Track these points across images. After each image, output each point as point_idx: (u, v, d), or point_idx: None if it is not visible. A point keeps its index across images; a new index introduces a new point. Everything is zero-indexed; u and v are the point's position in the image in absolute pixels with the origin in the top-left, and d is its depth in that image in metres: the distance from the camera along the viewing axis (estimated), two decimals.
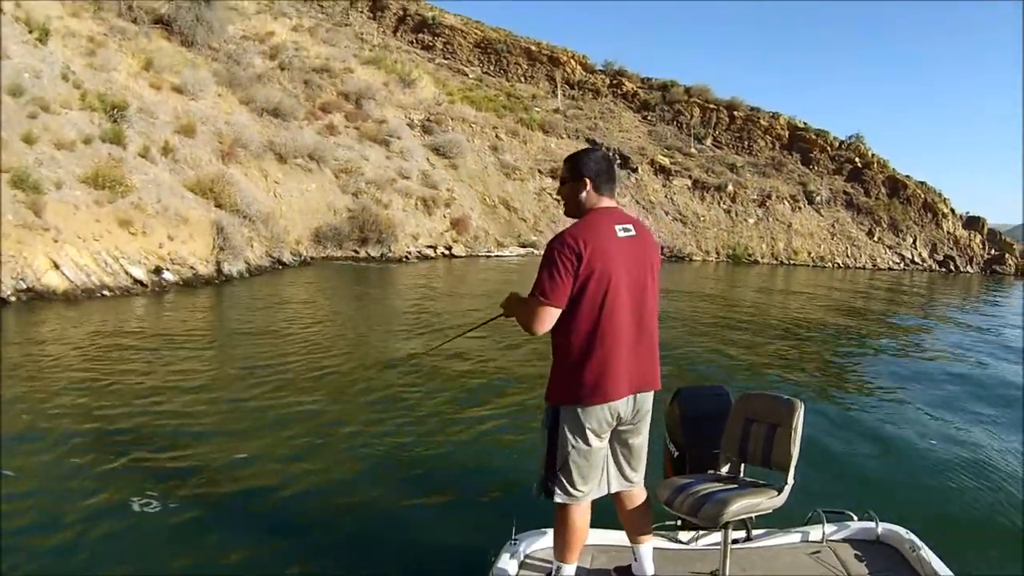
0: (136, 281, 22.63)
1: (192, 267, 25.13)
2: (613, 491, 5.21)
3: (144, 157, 28.39)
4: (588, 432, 4.86)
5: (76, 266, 21.07)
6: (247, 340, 16.96)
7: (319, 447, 9.89)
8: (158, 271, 23.70)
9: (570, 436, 4.89)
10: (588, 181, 4.96)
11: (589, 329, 4.79)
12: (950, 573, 5.26)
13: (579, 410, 4.84)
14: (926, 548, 5.58)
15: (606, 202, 5.01)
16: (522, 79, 66.55)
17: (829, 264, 56.24)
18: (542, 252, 4.90)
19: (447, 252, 41.88)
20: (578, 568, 5.28)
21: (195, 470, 8.85)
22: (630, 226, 4.96)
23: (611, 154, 57.74)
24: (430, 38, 67.71)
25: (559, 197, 5.34)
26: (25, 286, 19.59)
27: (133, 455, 9.15)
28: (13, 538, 6.94)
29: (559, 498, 4.97)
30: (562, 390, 4.90)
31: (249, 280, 27.03)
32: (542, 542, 5.66)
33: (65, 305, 19.68)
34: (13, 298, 19.11)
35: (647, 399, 5.07)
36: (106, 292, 21.32)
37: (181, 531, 7.31)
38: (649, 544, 5.37)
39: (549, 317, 4.75)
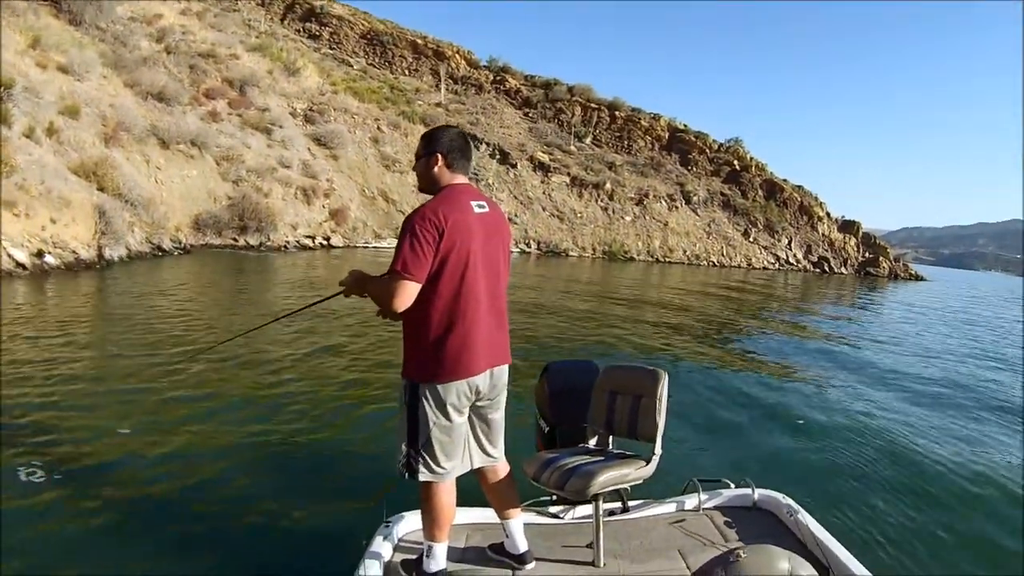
0: (18, 264, 22.43)
1: (74, 251, 25.11)
2: (476, 467, 5.21)
3: (28, 137, 28.27)
4: (449, 408, 4.86)
5: None
6: (121, 327, 16.78)
7: (182, 441, 9.44)
8: (40, 254, 23.57)
9: (431, 413, 4.86)
10: (440, 156, 4.94)
11: (448, 304, 4.78)
12: (828, 535, 5.38)
13: (439, 387, 4.83)
14: (803, 512, 5.67)
15: (460, 179, 4.99)
16: (406, 72, 67.07)
17: (704, 263, 57.61)
18: None
19: (325, 242, 42.44)
20: (452, 547, 5.29)
21: (55, 457, 8.54)
22: (484, 203, 4.96)
23: (487, 146, 58.46)
24: (317, 27, 67.79)
25: (414, 172, 5.18)
26: None
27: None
28: None
29: (423, 476, 4.93)
30: (421, 366, 4.86)
31: (129, 265, 27.05)
32: (414, 523, 5.61)
33: None
34: None
35: (503, 373, 5.10)
36: None
37: (29, 517, 7.05)
38: (519, 519, 5.34)
39: (409, 292, 4.65)
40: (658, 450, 5.36)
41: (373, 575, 5.04)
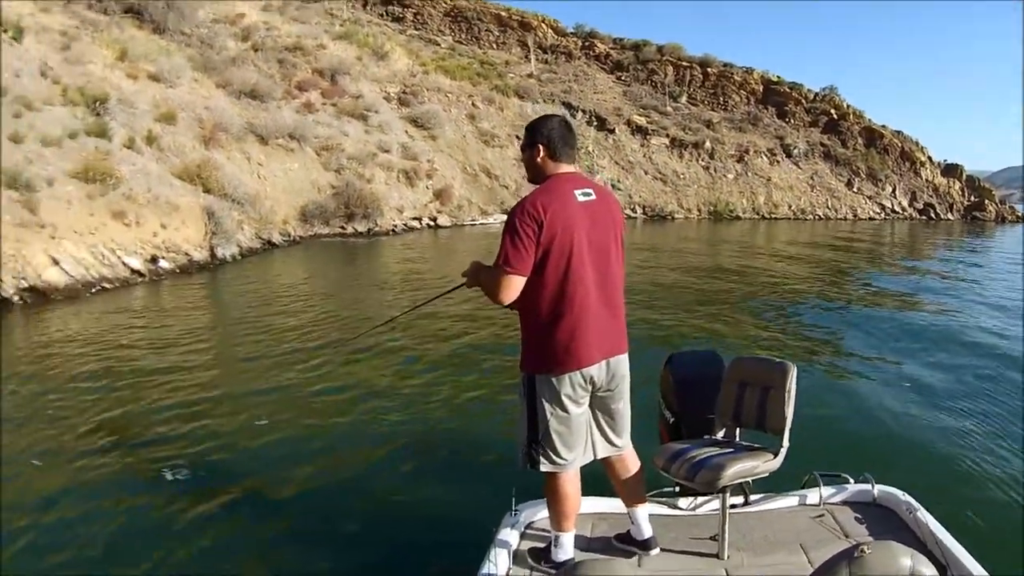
0: (134, 271, 22.74)
1: (187, 253, 25.32)
2: (600, 456, 5.21)
3: (130, 148, 28.49)
4: (565, 399, 4.86)
5: (75, 261, 21.20)
6: (243, 324, 17.14)
7: (313, 430, 9.96)
8: (154, 260, 23.86)
9: (547, 405, 4.89)
10: (542, 148, 4.95)
11: (555, 296, 4.78)
12: (947, 534, 5.26)
13: (553, 379, 4.85)
14: (923, 510, 5.55)
15: (564, 167, 4.98)
16: (494, 46, 66.66)
17: (810, 216, 56.59)
18: None
19: (432, 223, 42.20)
20: (579, 536, 5.30)
21: (198, 455, 8.99)
22: (590, 190, 4.92)
23: (583, 113, 57.96)
24: (400, 9, 67.63)
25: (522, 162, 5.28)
26: (27, 284, 19.68)
27: (138, 445, 9.37)
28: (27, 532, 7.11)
29: (544, 467, 4.97)
30: (534, 358, 4.93)
31: (241, 263, 27.22)
32: (542, 512, 5.61)
33: (67, 301, 19.78)
34: (16, 298, 19.25)
35: (621, 363, 5.06)
36: (106, 284, 21.41)
37: (176, 521, 7.34)
38: (644, 508, 5.36)
39: (514, 286, 4.72)
40: (786, 442, 5.25)
41: (501, 563, 5.09)
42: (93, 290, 20.89)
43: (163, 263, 23.99)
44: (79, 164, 24.68)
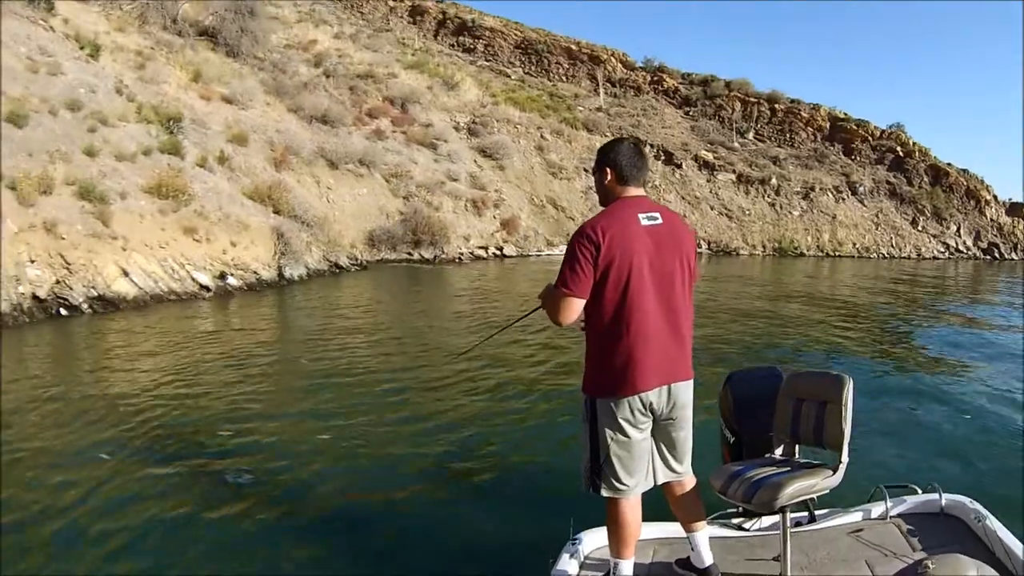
0: (202, 287, 23.07)
1: (255, 272, 25.60)
2: (660, 482, 5.10)
3: (202, 166, 28.90)
4: (623, 423, 4.80)
5: (144, 273, 21.46)
6: (310, 344, 17.16)
7: (376, 448, 9.95)
8: (223, 276, 24.16)
9: (608, 429, 4.83)
10: (609, 171, 4.93)
11: (613, 319, 4.74)
12: (1016, 541, 5.13)
13: (611, 402, 4.79)
14: (991, 518, 5.43)
15: (632, 191, 4.93)
16: (564, 78, 66.73)
17: (874, 254, 55.99)
18: None
19: (498, 252, 42.14)
20: (639, 563, 5.21)
21: (257, 472, 9.00)
22: (656, 214, 4.84)
23: (651, 148, 57.92)
24: (471, 40, 67.96)
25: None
26: (96, 294, 19.94)
27: (199, 459, 9.34)
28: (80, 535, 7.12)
29: (605, 492, 4.89)
30: (593, 381, 4.89)
31: (308, 283, 27.36)
32: (601, 539, 5.46)
33: (136, 311, 20.02)
34: (85, 306, 19.46)
35: (683, 390, 4.92)
36: (173, 298, 21.73)
37: (238, 534, 7.37)
38: (704, 532, 5.24)
39: (572, 308, 4.71)
40: (845, 458, 5.03)
41: None
42: (161, 303, 21.12)
43: (231, 280, 24.28)
44: (152, 180, 25.08)
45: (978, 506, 5.61)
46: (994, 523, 5.32)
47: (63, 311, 19.16)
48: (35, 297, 18.96)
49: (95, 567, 6.58)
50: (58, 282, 19.56)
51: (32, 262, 19.35)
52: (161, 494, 8.10)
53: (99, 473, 8.64)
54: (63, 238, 20.26)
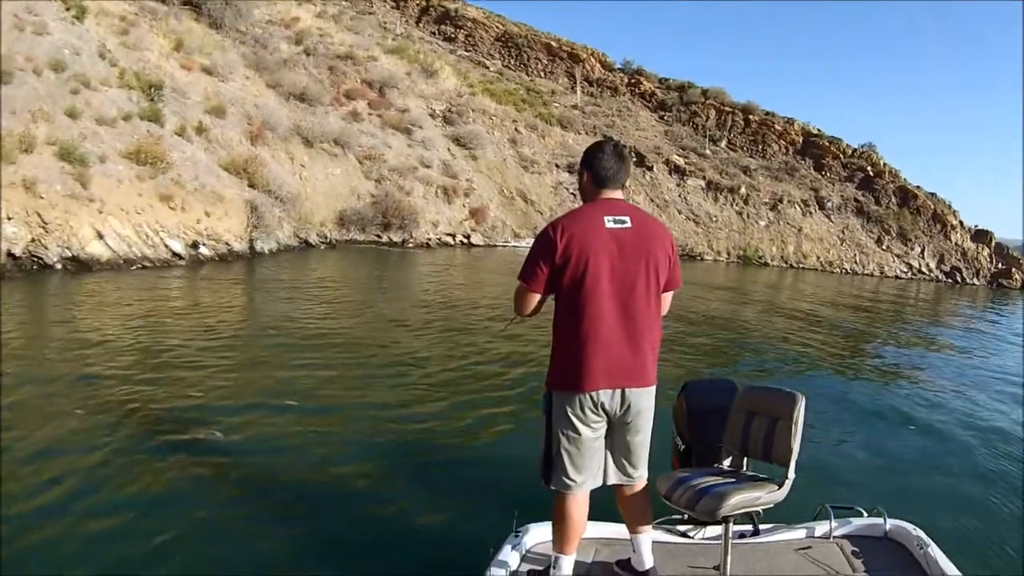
0: (175, 254, 23.40)
1: (227, 243, 25.91)
2: (611, 483, 5.18)
3: (180, 135, 29.05)
4: (574, 419, 4.88)
5: (119, 237, 21.73)
6: (277, 318, 17.27)
7: (319, 435, 9.80)
8: (195, 245, 24.49)
9: (559, 422, 4.93)
10: (587, 173, 5.06)
11: (567, 317, 4.87)
12: (957, 572, 5.26)
13: (562, 395, 4.92)
14: (934, 546, 5.56)
15: (607, 193, 5.03)
16: (542, 74, 66.78)
17: (837, 269, 56.28)
18: None
19: (466, 240, 42.25)
20: (580, 561, 5.29)
21: (192, 446, 8.90)
22: (625, 217, 4.91)
23: (628, 151, 57.98)
24: (452, 30, 67.87)
25: None
26: (70, 254, 20.23)
27: (148, 432, 9.26)
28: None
29: (553, 485, 5.02)
30: (551, 373, 5.01)
31: (278, 258, 27.69)
32: (544, 534, 5.58)
33: (108, 273, 20.36)
34: (59, 265, 19.73)
35: (640, 396, 4.97)
36: (146, 264, 22.02)
37: (166, 511, 7.22)
38: (648, 536, 5.30)
39: (526, 299, 4.95)
40: (791, 474, 5.17)
41: None
42: (133, 267, 21.44)
43: (203, 249, 24.60)
44: (132, 145, 25.32)
45: (921, 533, 5.78)
46: (936, 552, 5.48)
47: (35, 268, 19.47)
48: (10, 254, 19.18)
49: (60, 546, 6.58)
50: (33, 240, 19.82)
51: (9, 219, 19.56)
52: (121, 470, 8.11)
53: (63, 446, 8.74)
54: (41, 197, 20.52)
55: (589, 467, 4.99)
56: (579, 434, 4.90)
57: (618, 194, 5.07)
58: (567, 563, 5.09)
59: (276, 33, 48.43)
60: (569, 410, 4.88)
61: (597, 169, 5.03)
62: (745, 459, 5.62)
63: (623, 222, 4.87)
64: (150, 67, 32.17)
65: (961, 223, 61.46)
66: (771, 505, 5.16)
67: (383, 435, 10.03)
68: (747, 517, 5.78)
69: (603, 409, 4.88)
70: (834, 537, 5.91)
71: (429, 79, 53.81)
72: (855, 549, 5.73)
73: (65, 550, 6.42)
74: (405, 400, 11.70)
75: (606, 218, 4.85)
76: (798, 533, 5.97)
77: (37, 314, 16.20)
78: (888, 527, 5.94)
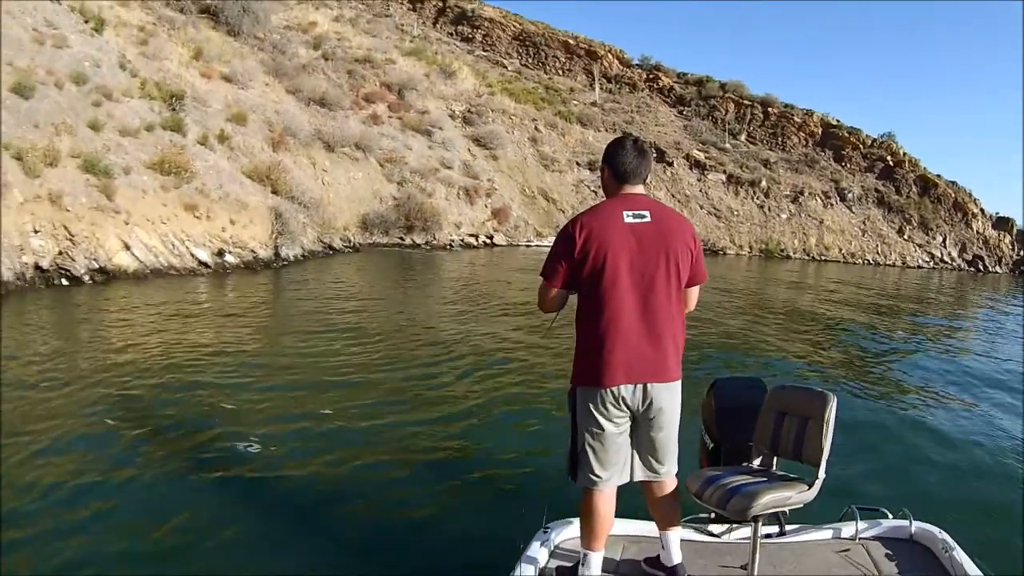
0: (201, 263, 23.51)
1: (253, 250, 25.97)
2: (638, 479, 5.14)
3: (203, 144, 29.19)
4: (597, 415, 4.87)
5: (145, 247, 21.84)
6: (303, 325, 17.30)
7: (349, 434, 9.93)
8: (221, 253, 24.59)
9: (583, 419, 4.95)
10: (606, 168, 5.09)
11: (588, 312, 4.88)
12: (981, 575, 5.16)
13: (584, 391, 4.93)
14: (959, 549, 5.46)
15: (628, 189, 5.03)
16: (560, 72, 66.80)
17: (859, 261, 56.13)
18: None
19: (488, 241, 42.46)
20: (609, 558, 5.28)
21: (225, 453, 8.95)
22: (645, 212, 4.89)
23: (647, 145, 57.90)
24: (469, 30, 67.92)
25: None
26: (98, 266, 20.33)
27: (169, 434, 9.42)
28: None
29: (580, 481, 5.02)
30: (574, 371, 5.02)
31: (303, 263, 27.78)
32: (573, 531, 5.57)
33: (135, 283, 20.48)
34: (87, 277, 19.84)
35: (661, 392, 4.92)
36: (172, 272, 22.18)
37: (193, 517, 7.25)
38: (676, 533, 5.24)
39: (548, 295, 5.02)
40: (822, 474, 5.13)
41: None
42: (160, 277, 21.56)
43: (229, 257, 24.69)
44: (155, 156, 25.45)
45: (947, 536, 5.69)
46: (961, 555, 5.38)
47: (64, 281, 19.56)
48: (38, 267, 19.30)
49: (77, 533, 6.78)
50: (60, 253, 19.92)
51: (36, 232, 19.67)
52: (140, 464, 8.33)
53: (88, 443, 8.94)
54: (67, 210, 20.61)
55: (614, 463, 4.99)
56: (603, 430, 4.90)
57: (639, 189, 5.09)
58: (595, 559, 5.08)
59: (294, 38, 48.66)
60: (592, 406, 4.88)
61: (617, 165, 5.05)
62: (775, 458, 5.61)
63: (642, 216, 4.87)
64: (170, 77, 32.43)
65: (982, 211, 61.22)
66: (801, 505, 5.14)
67: (413, 436, 10.03)
68: (774, 517, 5.74)
69: (625, 405, 4.87)
70: (860, 539, 5.86)
71: (448, 80, 53.97)
72: (881, 551, 5.70)
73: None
74: (434, 401, 11.76)
75: (625, 213, 4.86)
76: (825, 534, 5.93)
77: (67, 325, 16.26)
78: (914, 530, 5.89)
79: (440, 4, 68.87)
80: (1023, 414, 13.65)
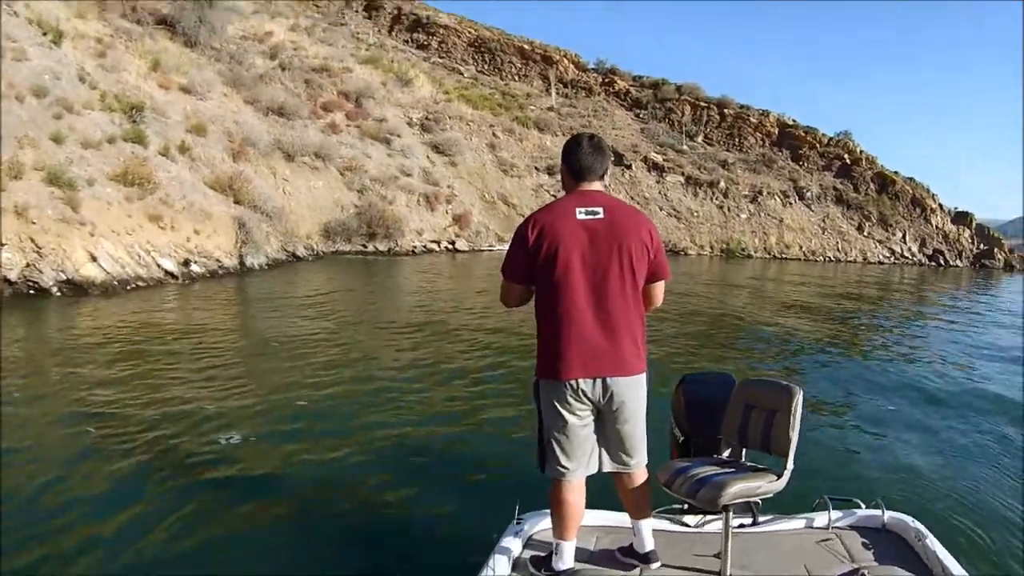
0: (167, 273, 23.57)
1: (218, 259, 26.11)
2: (607, 471, 5.21)
3: (164, 155, 29.20)
4: (558, 407, 4.94)
5: (112, 258, 21.86)
6: (274, 329, 17.55)
7: (321, 432, 10.08)
8: (187, 263, 24.68)
9: (547, 411, 5.03)
10: (564, 166, 5.17)
11: (544, 308, 4.97)
12: (954, 562, 5.27)
13: (544, 383, 5.02)
14: (931, 537, 5.57)
15: (585, 186, 5.09)
16: (516, 78, 66.87)
17: (820, 258, 56.55)
18: None
19: (451, 247, 42.50)
20: (582, 548, 5.35)
21: (200, 455, 9.09)
22: (598, 208, 4.94)
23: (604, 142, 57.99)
24: (425, 37, 67.84)
25: None
26: (65, 277, 20.38)
27: (150, 439, 9.49)
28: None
29: (548, 472, 5.09)
30: (537, 364, 5.08)
31: (268, 272, 27.88)
32: (546, 522, 5.61)
33: (103, 296, 20.53)
34: (55, 289, 19.89)
35: (624, 386, 4.99)
36: (140, 283, 22.18)
37: (182, 519, 7.36)
38: (648, 522, 5.33)
39: (508, 291, 5.18)
40: (790, 464, 5.23)
41: (500, 570, 5.14)
42: (128, 287, 21.65)
43: (195, 267, 24.80)
44: (118, 168, 25.47)
45: (919, 525, 5.82)
46: (934, 543, 5.49)
47: (31, 292, 19.67)
48: (6, 279, 19.36)
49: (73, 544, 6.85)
50: (28, 265, 19.96)
51: (3, 245, 19.72)
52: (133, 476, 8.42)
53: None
54: (34, 222, 20.67)
55: (580, 455, 5.06)
56: (566, 422, 4.97)
57: (596, 186, 5.14)
58: (568, 549, 5.16)
59: (251, 49, 48.44)
60: (554, 398, 4.96)
61: (573, 162, 5.12)
62: (744, 450, 5.70)
63: (595, 213, 4.93)
64: (129, 88, 32.44)
65: (941, 206, 61.91)
66: (771, 495, 5.23)
67: (385, 433, 10.20)
68: (746, 508, 5.73)
69: (587, 398, 4.93)
70: (833, 528, 5.97)
71: (405, 88, 53.95)
72: (855, 540, 5.79)
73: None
74: (405, 398, 11.98)
75: (578, 209, 4.92)
76: (797, 523, 6.03)
77: (37, 339, 16.33)
78: (886, 519, 5.98)
79: (395, 12, 68.80)
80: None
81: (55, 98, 26.43)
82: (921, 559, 5.45)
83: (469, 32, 68.57)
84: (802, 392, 5.35)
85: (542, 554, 5.34)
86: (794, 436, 5.25)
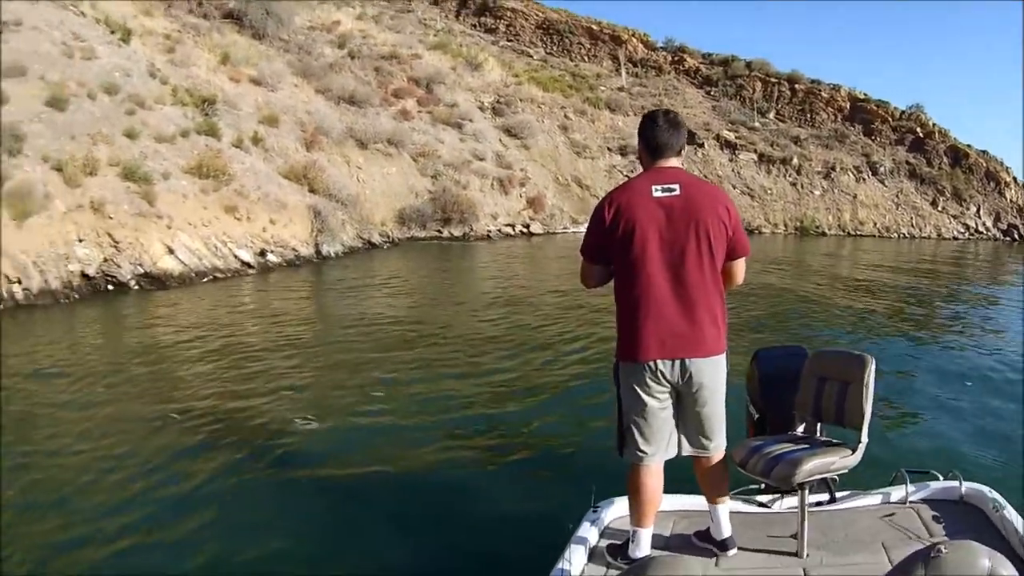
0: (244, 263, 23.76)
1: (294, 248, 26.27)
2: (685, 455, 5.11)
3: (238, 147, 29.40)
4: (637, 390, 4.86)
5: (189, 251, 22.00)
6: (352, 319, 17.38)
7: (399, 417, 10.15)
8: (263, 253, 24.85)
9: (626, 394, 4.95)
10: (641, 143, 5.08)
11: (622, 287, 4.90)
12: None
13: (624, 366, 4.95)
14: (1009, 508, 5.39)
15: (661, 163, 4.96)
16: (585, 58, 66.52)
17: (895, 235, 55.69)
18: None
19: (525, 230, 42.35)
20: (659, 534, 5.27)
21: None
22: (674, 185, 4.80)
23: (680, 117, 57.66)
24: (492, 21, 67.78)
25: None
26: (143, 271, 20.49)
27: (227, 432, 9.52)
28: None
29: (627, 457, 5.01)
30: (617, 346, 5.00)
31: (344, 260, 27.98)
32: (622, 509, 5.52)
33: (181, 287, 20.72)
34: (133, 283, 19.96)
35: (702, 367, 4.86)
36: (217, 275, 22.37)
37: (262, 504, 7.55)
38: (725, 506, 5.22)
39: (585, 270, 5.13)
40: (864, 438, 5.12)
41: (577, 560, 5.03)
42: (205, 279, 21.79)
43: (271, 256, 24.97)
44: (193, 160, 25.69)
45: (997, 495, 5.62)
46: (1012, 513, 5.32)
47: (110, 287, 19.73)
48: (84, 275, 19.46)
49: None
50: (106, 260, 20.07)
51: (80, 241, 19.80)
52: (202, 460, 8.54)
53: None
54: (110, 217, 20.83)
55: (659, 438, 4.97)
56: (645, 405, 4.88)
57: (673, 162, 5.01)
58: (645, 536, 5.07)
59: (319, 38, 48.66)
60: (633, 381, 4.88)
61: (649, 139, 5.01)
62: (818, 424, 5.60)
63: (671, 190, 4.80)
64: (200, 82, 32.64)
65: (1015, 179, 60.71)
66: (846, 470, 5.16)
67: (463, 420, 10.23)
68: (823, 485, 5.69)
69: (665, 379, 4.83)
70: (910, 502, 5.80)
71: (475, 72, 53.92)
72: (931, 513, 5.64)
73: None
74: (483, 384, 11.95)
75: (654, 187, 4.81)
76: (874, 499, 5.87)
77: (117, 331, 16.40)
78: (964, 491, 5.80)
79: None
80: None
81: (127, 94, 26.60)
82: (999, 530, 5.28)
83: (536, 14, 68.31)
84: (874, 361, 5.24)
85: (619, 542, 5.24)
86: (868, 408, 5.16)
